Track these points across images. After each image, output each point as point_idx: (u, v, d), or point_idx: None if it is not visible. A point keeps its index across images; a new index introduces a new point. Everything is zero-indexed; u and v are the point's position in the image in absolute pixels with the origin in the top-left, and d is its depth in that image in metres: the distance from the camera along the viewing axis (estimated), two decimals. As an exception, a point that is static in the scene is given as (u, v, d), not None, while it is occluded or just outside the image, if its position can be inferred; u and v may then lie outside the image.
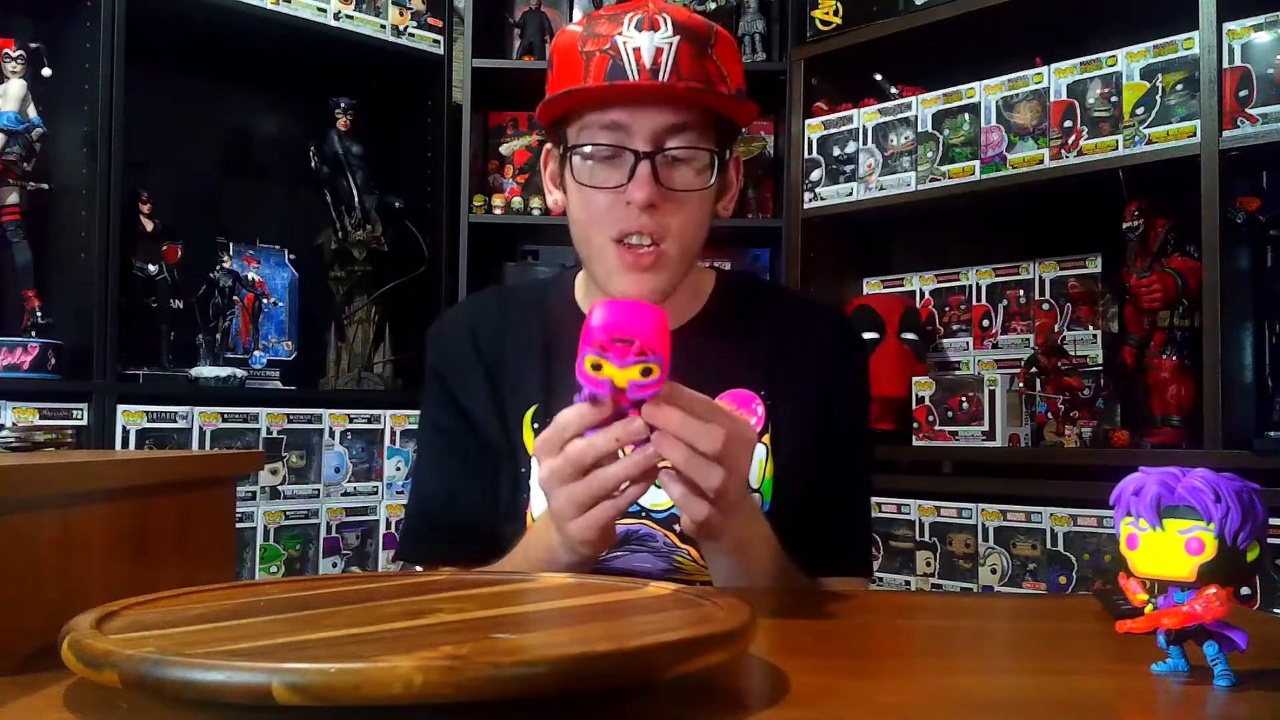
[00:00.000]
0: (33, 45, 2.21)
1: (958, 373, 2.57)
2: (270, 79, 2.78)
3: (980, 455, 2.34)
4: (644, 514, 1.03)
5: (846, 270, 2.83)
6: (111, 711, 0.53)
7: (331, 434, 2.51)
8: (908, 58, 2.62)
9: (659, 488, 0.85)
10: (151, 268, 2.38)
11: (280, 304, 2.74)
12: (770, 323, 1.12)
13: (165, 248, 2.41)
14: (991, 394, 2.32)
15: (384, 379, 2.71)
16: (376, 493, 2.58)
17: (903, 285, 2.76)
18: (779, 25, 2.83)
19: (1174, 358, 2.14)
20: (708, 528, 0.84)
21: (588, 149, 1.00)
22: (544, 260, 3.02)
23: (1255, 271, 2.12)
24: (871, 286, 2.82)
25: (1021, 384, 2.32)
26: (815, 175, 2.66)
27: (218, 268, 2.53)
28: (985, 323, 2.59)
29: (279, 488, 2.43)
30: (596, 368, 0.76)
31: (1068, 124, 2.23)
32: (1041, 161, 2.26)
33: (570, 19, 2.92)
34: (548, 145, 1.09)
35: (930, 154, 2.45)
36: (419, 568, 1.10)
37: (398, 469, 2.60)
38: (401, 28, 2.72)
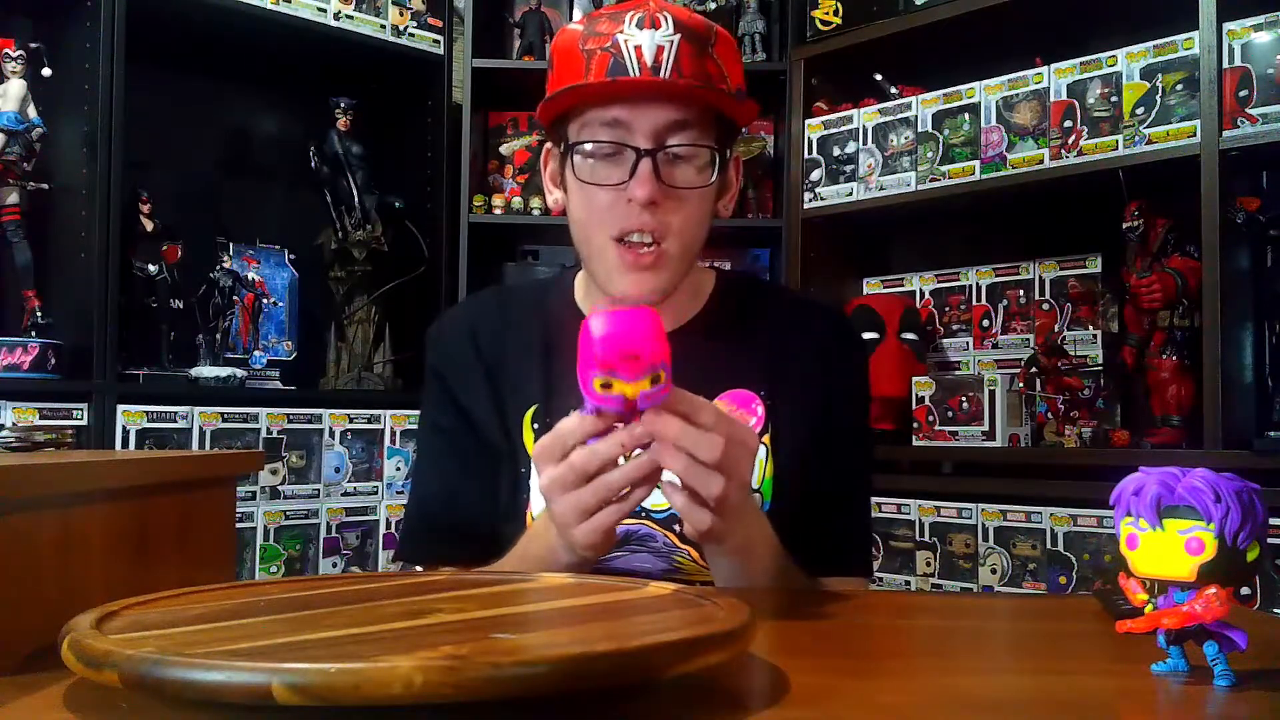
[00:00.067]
0: (33, 45, 2.21)
1: (958, 373, 2.57)
2: (270, 79, 2.78)
3: (980, 455, 2.34)
4: (644, 515, 1.03)
5: (846, 270, 2.83)
6: (111, 711, 0.53)
7: (331, 434, 2.51)
8: (908, 58, 2.63)
9: (659, 488, 0.85)
10: (151, 268, 2.38)
11: (280, 304, 2.74)
12: (770, 323, 1.12)
13: (165, 248, 2.41)
14: (991, 394, 2.32)
15: (384, 379, 2.71)
16: (376, 493, 2.58)
17: (903, 285, 2.76)
18: (779, 25, 2.83)
19: (1174, 358, 2.14)
20: (710, 534, 0.84)
21: (589, 147, 1.00)
22: (544, 260, 3.02)
23: (1255, 271, 2.12)
24: (871, 286, 2.82)
25: (1021, 384, 2.32)
26: (815, 175, 2.66)
27: (218, 268, 2.53)
28: (985, 323, 2.59)
29: (279, 488, 2.43)
30: (606, 385, 0.75)
31: (1068, 124, 2.23)
32: (1041, 161, 2.26)
33: (570, 19, 2.92)
34: (548, 145, 1.09)
35: (930, 154, 2.45)
36: (419, 568, 1.10)
37: (398, 469, 2.60)
38: (401, 28, 2.72)
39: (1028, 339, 2.49)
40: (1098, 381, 2.31)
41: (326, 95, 2.67)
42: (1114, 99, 2.17)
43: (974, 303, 2.61)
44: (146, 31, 2.27)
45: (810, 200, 2.66)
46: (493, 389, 1.09)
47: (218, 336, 2.48)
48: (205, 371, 2.39)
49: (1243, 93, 1.98)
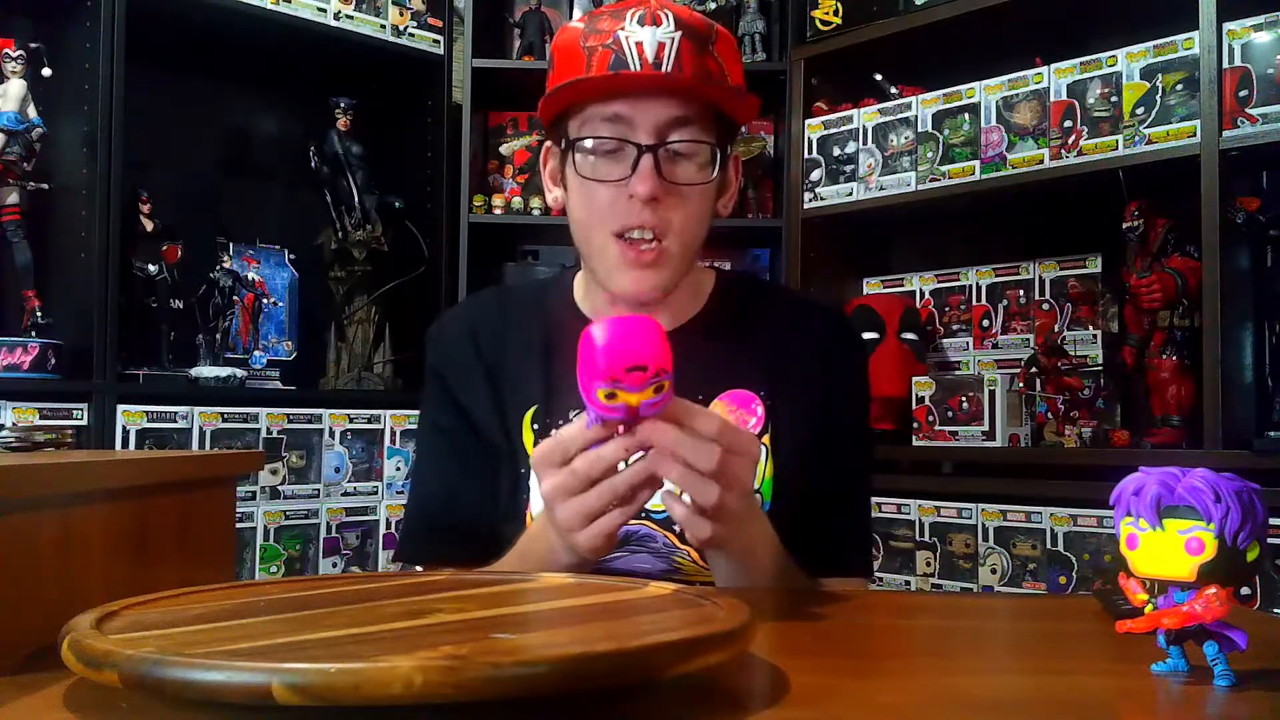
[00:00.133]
0: (33, 45, 2.21)
1: (958, 373, 2.57)
2: (270, 79, 2.78)
3: (980, 455, 2.34)
4: (644, 515, 1.03)
5: (846, 270, 2.83)
6: (111, 711, 0.53)
7: (331, 434, 2.51)
8: (908, 58, 2.63)
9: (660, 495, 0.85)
10: (151, 268, 2.38)
11: (280, 304, 2.74)
12: (770, 323, 1.12)
13: (165, 248, 2.41)
14: (991, 394, 2.32)
15: (384, 379, 2.71)
16: (376, 493, 2.58)
17: (903, 285, 2.76)
18: (779, 25, 2.83)
19: (1174, 358, 2.14)
20: (711, 541, 0.84)
21: (589, 143, 1.00)
22: (544, 260, 3.02)
23: (1255, 271, 2.12)
24: (871, 286, 2.82)
25: (1021, 384, 2.32)
26: (815, 175, 2.66)
27: (218, 268, 2.53)
28: (985, 323, 2.59)
29: (279, 488, 2.43)
30: (611, 396, 0.74)
31: (1068, 124, 2.23)
32: (1041, 161, 2.26)
33: (570, 19, 2.92)
34: (547, 143, 1.09)
35: (930, 154, 2.45)
36: (419, 568, 1.10)
37: (398, 469, 2.60)
38: (401, 28, 2.72)
39: (1028, 339, 2.49)
40: (1098, 381, 2.31)
41: (326, 95, 2.67)
42: (1114, 99, 2.17)
43: (974, 303, 2.61)
44: (146, 31, 2.27)
45: (810, 200, 2.66)
46: (493, 389, 1.09)
47: (218, 336, 2.49)
48: (205, 371, 2.39)
49: (1243, 93, 1.98)
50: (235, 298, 2.53)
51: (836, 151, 2.63)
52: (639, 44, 0.97)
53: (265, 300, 2.64)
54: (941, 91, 2.45)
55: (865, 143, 2.58)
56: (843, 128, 2.62)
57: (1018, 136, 2.31)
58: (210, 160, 2.73)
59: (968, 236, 2.70)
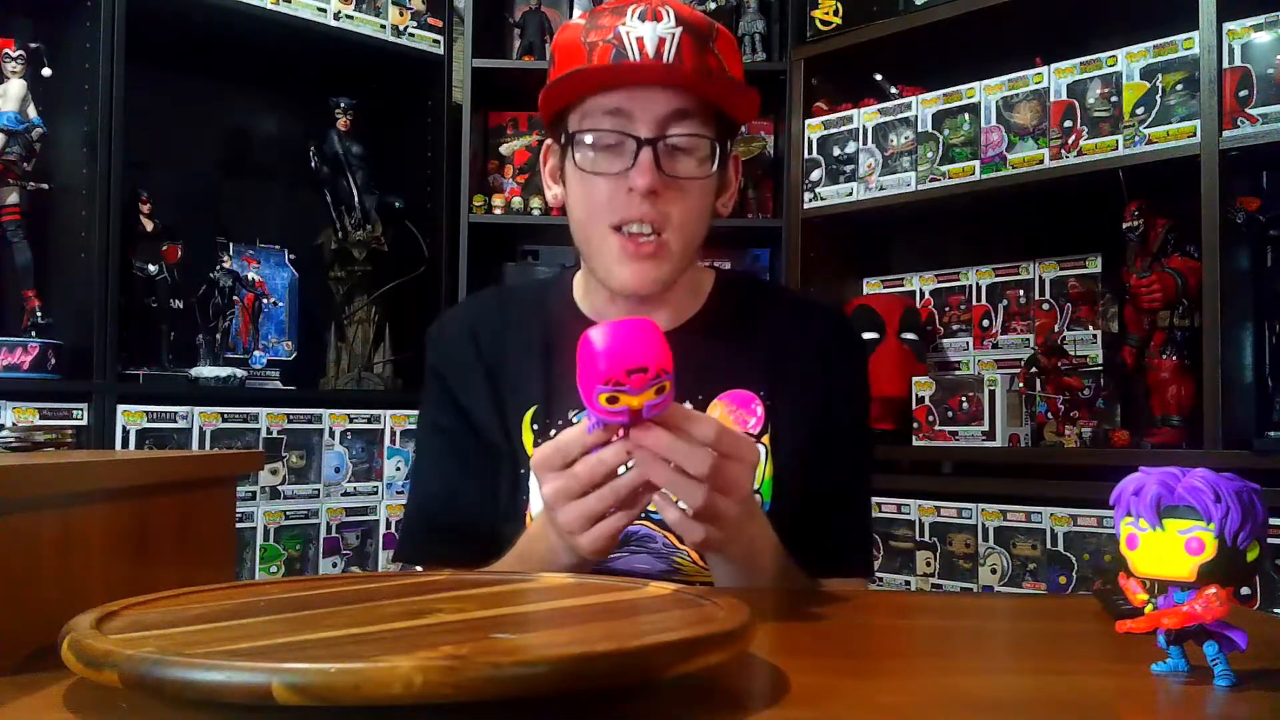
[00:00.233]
0: (33, 45, 2.21)
1: (958, 373, 2.57)
2: (270, 79, 2.78)
3: (980, 455, 2.34)
4: (644, 515, 1.03)
5: (846, 270, 2.83)
6: (111, 711, 0.53)
7: (331, 434, 2.51)
8: (908, 58, 2.63)
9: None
10: (151, 268, 2.38)
11: (280, 304, 2.74)
12: (770, 323, 1.11)
13: (165, 248, 2.41)
14: (991, 394, 2.32)
15: (384, 379, 2.71)
16: (376, 493, 2.58)
17: (903, 285, 2.76)
18: (779, 25, 2.83)
19: (1174, 358, 2.14)
20: (708, 545, 0.83)
21: (590, 138, 0.99)
22: (544, 260, 3.02)
23: (1255, 271, 2.12)
24: (871, 286, 2.82)
25: (1021, 384, 2.32)
26: (815, 175, 2.66)
27: (218, 268, 2.53)
28: (985, 323, 2.59)
29: (279, 488, 2.43)
30: (612, 399, 0.74)
31: (1068, 124, 2.23)
32: (1041, 161, 2.26)
33: (570, 18, 2.92)
34: (548, 141, 1.09)
35: (930, 154, 2.45)
36: (419, 568, 1.10)
37: (398, 469, 2.60)
38: (401, 28, 2.72)
39: (1028, 339, 2.49)
40: (1098, 381, 2.31)
41: (326, 95, 2.67)
42: (1114, 99, 2.17)
43: (974, 303, 2.61)
44: (146, 31, 2.27)
45: (810, 200, 2.66)
46: (493, 389, 1.09)
47: (218, 336, 2.49)
48: (205, 371, 2.39)
49: (1243, 93, 1.98)
50: (235, 298, 2.53)
51: (836, 151, 2.63)
52: (639, 39, 0.97)
53: (265, 300, 2.64)
54: (941, 91, 2.45)
55: (865, 143, 2.58)
56: (843, 128, 2.62)
57: (1018, 136, 2.31)
58: (210, 160, 2.73)
59: (968, 236, 2.70)
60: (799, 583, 1.00)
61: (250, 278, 2.61)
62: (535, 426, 1.06)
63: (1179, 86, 2.08)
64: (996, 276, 2.58)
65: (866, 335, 2.46)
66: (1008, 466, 2.34)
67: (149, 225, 2.38)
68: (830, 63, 2.71)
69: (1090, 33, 2.37)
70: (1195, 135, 2.03)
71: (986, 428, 2.32)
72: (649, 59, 0.96)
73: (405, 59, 2.76)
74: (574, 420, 1.03)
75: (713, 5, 2.78)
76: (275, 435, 2.42)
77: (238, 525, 2.01)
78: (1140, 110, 2.12)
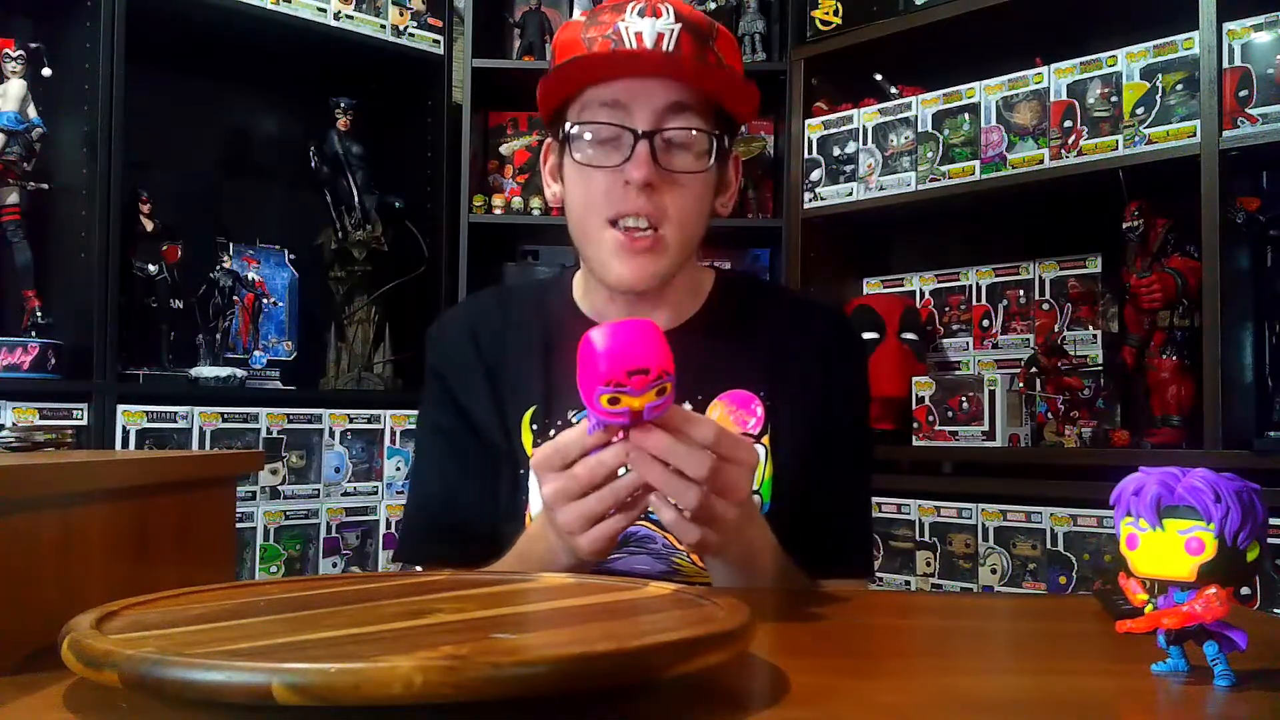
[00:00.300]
0: (33, 45, 2.21)
1: (958, 373, 2.57)
2: (270, 79, 2.78)
3: (980, 455, 2.34)
4: (644, 516, 1.03)
5: (846, 270, 2.83)
6: (111, 711, 0.53)
7: (331, 434, 2.51)
8: (908, 58, 2.63)
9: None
10: (151, 268, 2.38)
11: (280, 304, 2.74)
12: (770, 323, 1.11)
13: (165, 248, 2.41)
14: (991, 394, 2.32)
15: (384, 379, 2.71)
16: (376, 493, 2.58)
17: (903, 285, 2.76)
18: (779, 25, 2.83)
19: (1174, 358, 2.14)
20: (705, 547, 0.83)
21: (588, 134, 1.00)
22: (544, 260, 3.02)
23: (1255, 271, 2.12)
24: (871, 286, 2.82)
25: (1021, 384, 2.32)
26: (815, 175, 2.66)
27: (218, 268, 2.53)
28: (985, 323, 2.59)
29: (279, 488, 2.43)
30: (614, 401, 0.74)
31: (1068, 124, 2.23)
32: (1041, 161, 2.26)
33: (570, 18, 2.92)
34: (548, 140, 1.09)
35: (930, 154, 2.45)
36: (419, 568, 1.10)
37: (398, 469, 2.60)
38: (401, 28, 2.72)
39: (1028, 339, 2.49)
40: (1098, 381, 2.31)
41: (326, 95, 2.67)
42: (1114, 99, 2.17)
43: (974, 303, 2.61)
44: (146, 31, 2.27)
45: (810, 200, 2.66)
46: (493, 389, 1.09)
47: (218, 336, 2.49)
48: (205, 371, 2.39)
49: (1243, 93, 1.98)
50: (235, 298, 2.53)
51: (836, 151, 2.63)
52: (638, 34, 0.97)
53: (265, 300, 2.64)
54: (941, 91, 2.45)
55: (865, 143, 2.58)
56: (843, 128, 2.62)
57: (1018, 136, 2.31)
58: (210, 160, 2.73)
59: (968, 236, 2.70)
60: (798, 584, 1.00)
61: (250, 278, 2.61)
62: (535, 426, 1.06)
63: (1179, 86, 2.08)
64: (996, 276, 2.58)
65: (866, 335, 2.46)
66: (1008, 466, 2.34)
67: (149, 225, 2.38)
68: (830, 63, 2.71)
69: (1090, 33, 2.37)
70: (1195, 135, 2.03)
71: (986, 428, 2.32)
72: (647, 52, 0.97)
73: (405, 59, 2.76)
74: (574, 420, 1.03)
75: (713, 5, 2.78)
76: (275, 435, 2.42)
77: (238, 525, 2.01)
78: (1140, 110, 2.12)
